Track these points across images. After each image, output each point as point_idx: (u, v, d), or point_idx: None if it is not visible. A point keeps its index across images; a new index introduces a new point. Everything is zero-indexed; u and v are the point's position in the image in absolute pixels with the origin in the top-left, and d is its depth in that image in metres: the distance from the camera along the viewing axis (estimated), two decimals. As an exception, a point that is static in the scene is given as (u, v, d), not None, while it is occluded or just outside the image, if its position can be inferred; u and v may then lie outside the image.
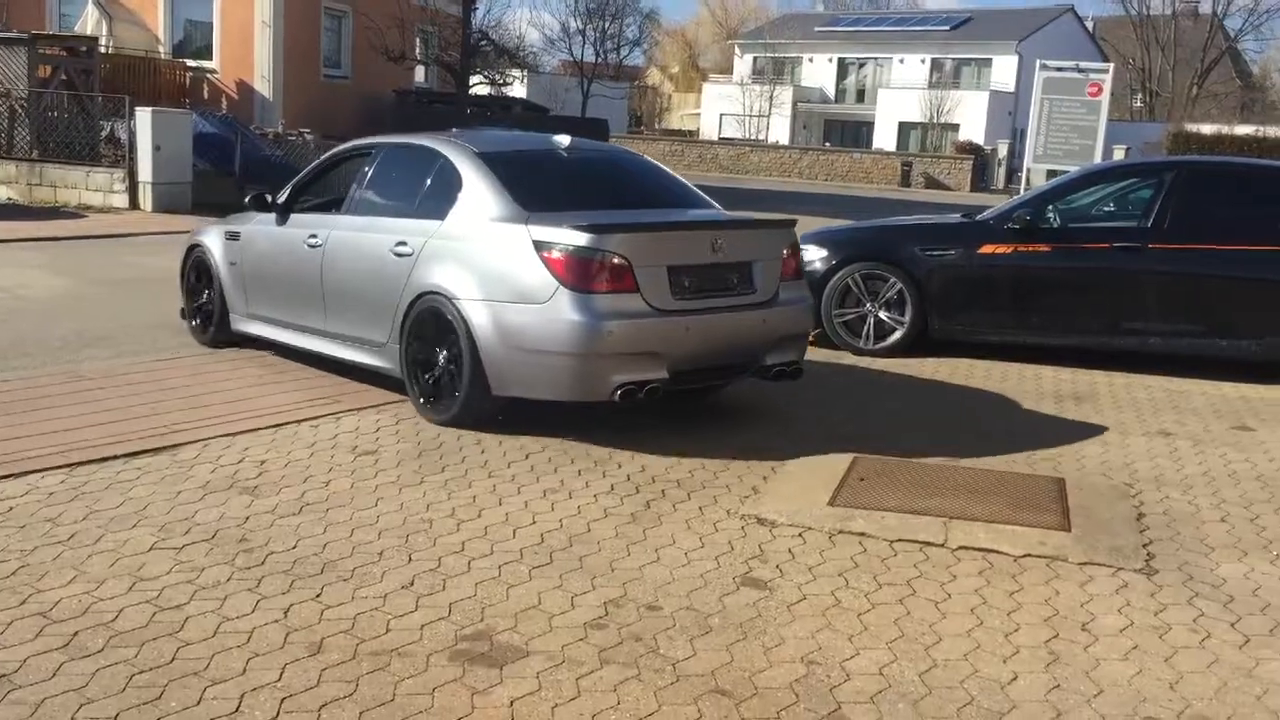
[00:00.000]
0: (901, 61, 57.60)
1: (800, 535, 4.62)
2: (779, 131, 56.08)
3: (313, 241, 6.89)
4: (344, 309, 6.70)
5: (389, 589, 3.96)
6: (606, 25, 54.65)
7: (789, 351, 6.33)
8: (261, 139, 21.13)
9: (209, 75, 25.60)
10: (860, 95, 59.53)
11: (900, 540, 4.59)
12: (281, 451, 5.53)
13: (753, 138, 54.05)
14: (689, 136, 57.21)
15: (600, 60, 54.09)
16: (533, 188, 6.16)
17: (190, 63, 25.61)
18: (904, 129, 53.72)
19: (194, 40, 26.29)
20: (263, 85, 25.42)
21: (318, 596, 3.87)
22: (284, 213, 7.29)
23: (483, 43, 28.86)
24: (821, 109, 59.58)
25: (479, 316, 5.79)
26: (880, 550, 4.49)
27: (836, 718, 3.19)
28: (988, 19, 57.48)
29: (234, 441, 5.64)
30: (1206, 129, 43.24)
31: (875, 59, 59.19)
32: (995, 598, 4.06)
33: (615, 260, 5.57)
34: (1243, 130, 43.07)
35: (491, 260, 5.87)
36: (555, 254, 5.61)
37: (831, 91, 60.19)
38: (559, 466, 5.43)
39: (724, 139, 53.57)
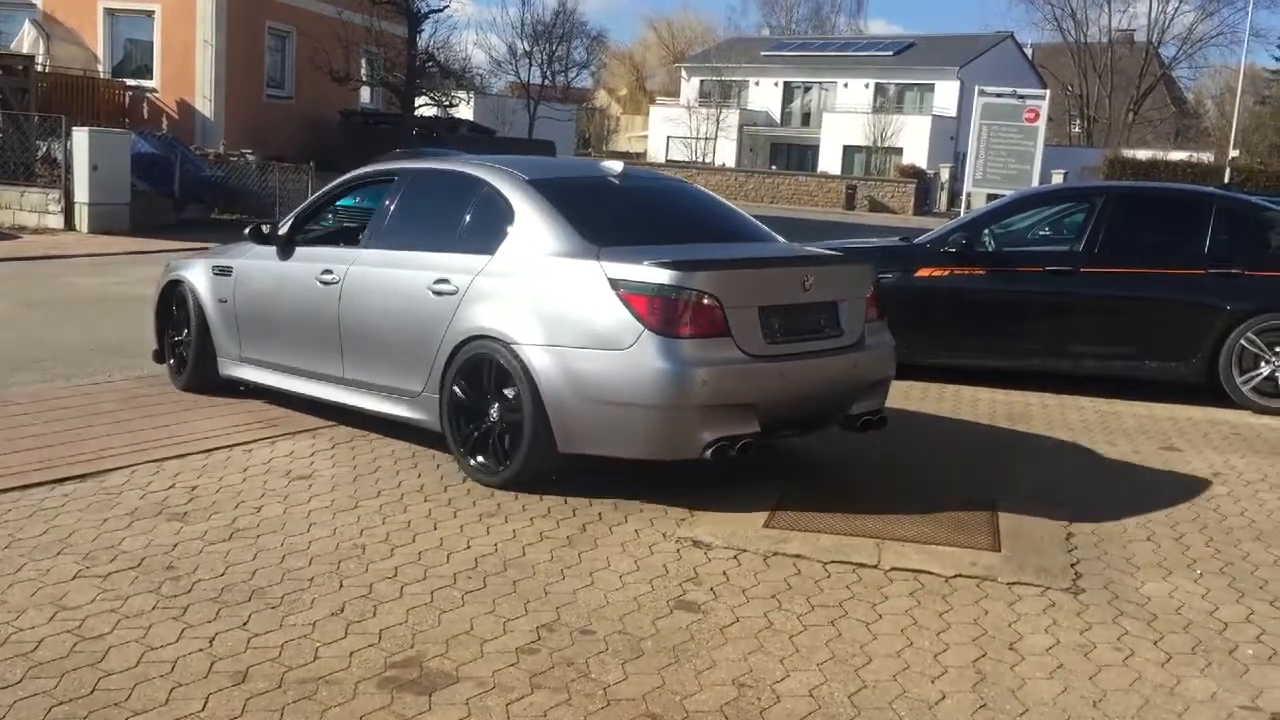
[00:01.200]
0: (846, 86, 58.36)
1: (735, 558, 4.64)
2: (726, 154, 56.55)
3: (327, 278, 6.20)
4: (367, 354, 6.02)
5: (318, 616, 3.91)
6: (554, 47, 54.80)
7: (874, 399, 5.85)
8: (202, 159, 20.92)
9: (149, 94, 25.33)
10: (806, 119, 60.21)
11: (834, 561, 4.62)
12: (213, 477, 5.45)
13: (699, 160, 54.40)
14: (636, 159, 57.48)
15: (547, 82, 54.21)
16: (594, 219, 5.57)
17: (130, 82, 25.33)
18: (849, 152, 54.39)
19: (134, 59, 26.01)
20: (204, 105, 25.20)
21: (245, 624, 3.81)
22: (287, 245, 6.61)
23: (428, 64, 28.81)
24: (767, 132, 60.16)
25: (544, 364, 5.18)
26: (814, 572, 4.51)
27: (765, 740, 3.20)
28: (930, 45, 58.42)
29: (163, 467, 5.55)
30: (1142, 154, 44.19)
31: (820, 83, 59.93)
32: (925, 618, 4.10)
33: (705, 301, 5.03)
34: (1176, 156, 44.10)
35: (557, 301, 5.27)
36: (636, 294, 5.04)
37: (777, 115, 60.82)
38: (495, 491, 5.41)
39: (671, 161, 53.84)
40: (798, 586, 4.36)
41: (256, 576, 4.24)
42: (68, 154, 17.22)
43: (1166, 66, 69.37)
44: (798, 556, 4.66)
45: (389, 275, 5.98)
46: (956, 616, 4.12)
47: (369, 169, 6.84)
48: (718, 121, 55.24)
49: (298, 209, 6.87)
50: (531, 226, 5.54)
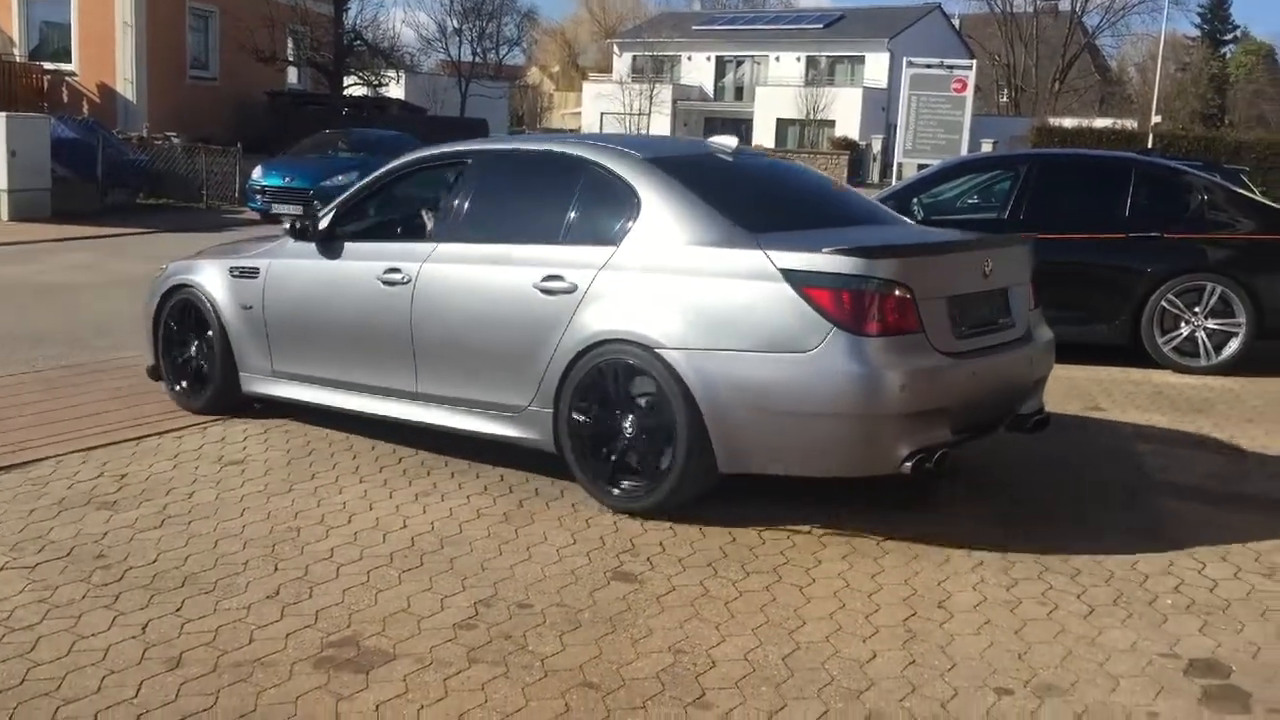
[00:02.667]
0: (778, 59, 58.51)
1: (671, 528, 4.68)
2: (660, 129, 56.42)
3: (393, 278, 5.41)
4: (450, 364, 5.28)
5: (253, 599, 3.89)
6: (484, 24, 54.22)
7: (1037, 397, 5.34)
8: (125, 143, 20.46)
9: (68, 78, 24.72)
10: (739, 93, 60.29)
11: (769, 528, 4.68)
12: (143, 464, 5.38)
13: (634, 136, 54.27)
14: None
15: (479, 60, 53.67)
16: (734, 202, 4.94)
17: (48, 65, 24.67)
18: (782, 126, 54.57)
19: (52, 42, 25.37)
20: (125, 88, 24.65)
21: (178, 610, 3.78)
22: (329, 241, 5.79)
23: (356, 43, 28.40)
24: (701, 106, 60.14)
25: (701, 371, 4.51)
26: (749, 539, 4.57)
27: (701, 704, 3.25)
28: (859, 17, 58.71)
29: (91, 456, 5.47)
30: (1068, 122, 44.86)
31: (752, 57, 60.01)
32: (857, 580, 4.18)
33: (897, 292, 4.40)
34: (1101, 123, 44.81)
35: (713, 297, 4.58)
36: (819, 286, 4.39)
37: (710, 89, 60.82)
38: (433, 469, 5.40)
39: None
40: (733, 554, 4.41)
41: (189, 562, 4.20)
42: (-17, 140, 16.75)
43: (1090, 35, 70.36)
44: (733, 524, 4.72)
45: (479, 273, 5.22)
46: (888, 578, 4.20)
47: (431, 151, 5.92)
48: (651, 97, 55.10)
49: (338, 200, 5.98)
50: (664, 212, 4.85)
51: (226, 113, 26.35)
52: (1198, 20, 67.62)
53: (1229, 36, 66.29)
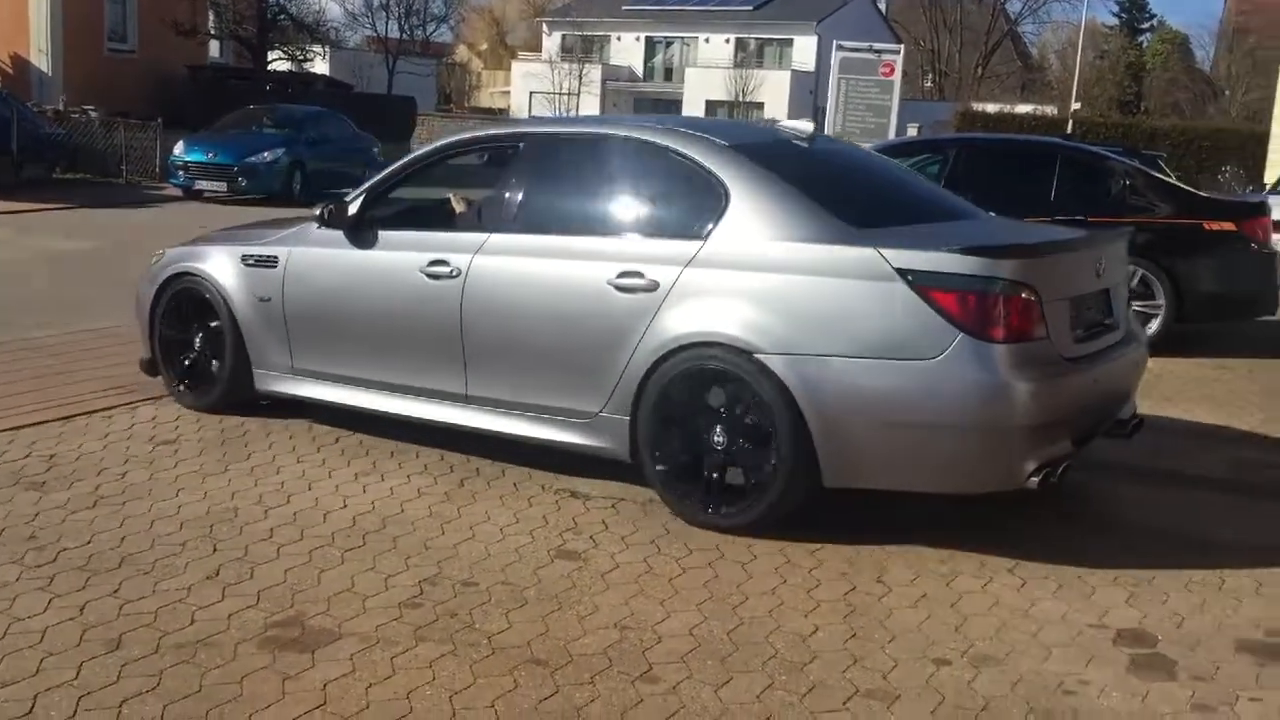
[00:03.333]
0: (707, 41, 58.56)
1: (613, 506, 4.71)
2: (590, 109, 56.23)
3: (438, 270, 5.02)
4: (508, 366, 4.92)
5: (193, 580, 3.84)
6: (411, 1, 53.56)
7: (1133, 400, 5.12)
8: (40, 116, 19.87)
9: (-22, 48, 23.90)
10: (669, 74, 60.26)
11: (709, 506, 4.73)
12: (72, 444, 5.27)
13: (563, 117, 54.06)
14: (499, 115, 56.74)
15: (405, 37, 53.01)
16: (832, 195, 4.62)
17: (-43, 35, 23.85)
18: (711, 107, 54.59)
19: (-40, 10, 24.47)
20: (39, 59, 23.96)
21: (115, 592, 3.73)
22: (362, 229, 5.38)
23: (280, 17, 27.87)
24: (630, 87, 60.02)
25: (809, 378, 4.19)
26: (690, 517, 4.62)
27: (648, 678, 3.29)
28: (788, 0, 59.03)
29: (17, 436, 5.34)
30: (991, 108, 45.64)
31: (681, 38, 59.99)
32: (798, 556, 4.25)
33: (1024, 295, 4.13)
34: (1023, 109, 45.68)
35: (821, 299, 4.26)
36: (942, 288, 4.08)
37: (640, 70, 60.73)
38: (371, 449, 5.36)
39: (535, 118, 53.38)
40: (676, 532, 4.46)
41: (125, 543, 4.13)
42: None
43: (1013, 22, 71.62)
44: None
45: (542, 267, 4.85)
46: (828, 554, 4.28)
47: (479, 133, 5.60)
48: (579, 77, 54.88)
49: (369, 183, 5.54)
50: (757, 204, 4.51)
51: (146, 86, 25.71)
52: (1116, 9, 69.08)
53: (1145, 25, 67.73)
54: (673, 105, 57.06)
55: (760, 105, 51.72)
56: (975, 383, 4.05)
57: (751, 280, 4.39)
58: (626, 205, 4.95)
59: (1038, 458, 4.18)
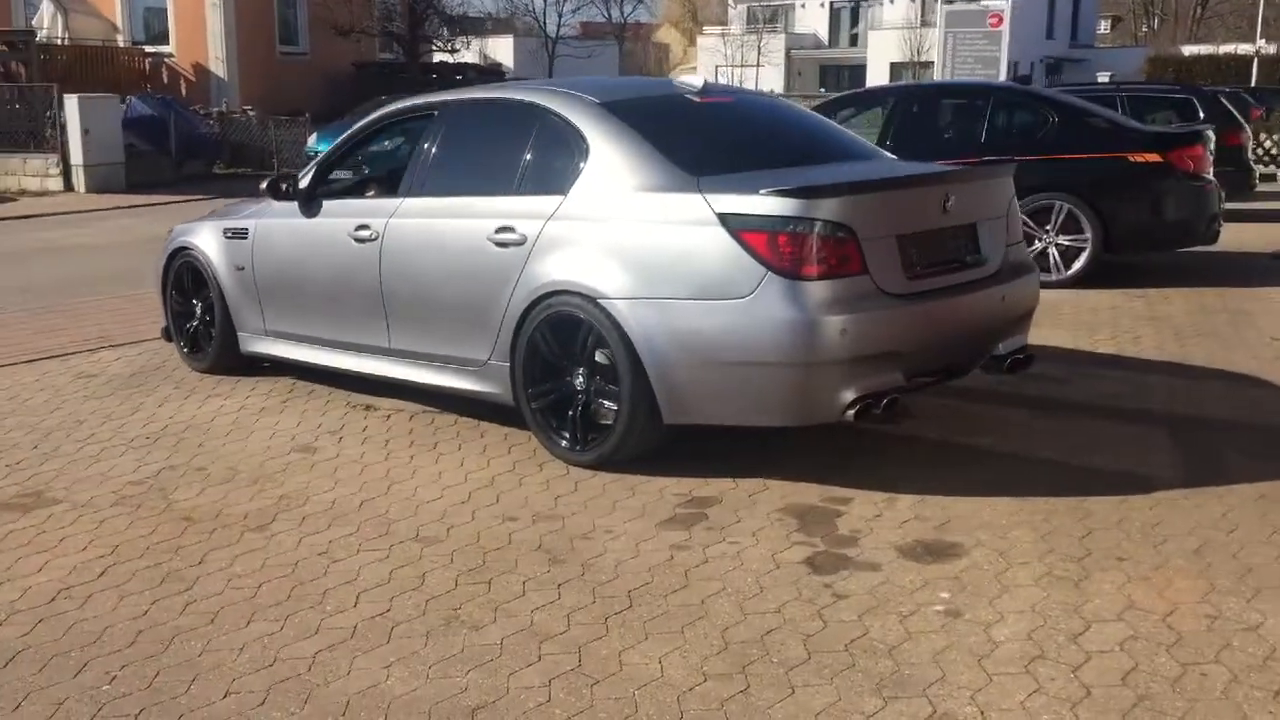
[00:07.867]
0: (891, 1, 57.54)
1: (388, 417, 5.57)
2: (773, 81, 56.32)
3: (362, 234, 5.46)
4: (417, 320, 5.31)
5: (-5, 466, 4.96)
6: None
7: (1019, 334, 5.08)
8: (196, 116, 22.16)
9: (166, 60, 26.66)
10: (854, 39, 59.61)
11: (467, 415, 5.50)
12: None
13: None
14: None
15: (600, 19, 54.23)
16: (684, 144, 4.79)
17: (149, 49, 26.67)
18: (895, 69, 53.80)
19: (153, 26, 27.33)
20: (217, 66, 26.44)
21: None
22: (310, 201, 5.85)
23: (429, 12, 29.67)
24: (815, 55, 59.78)
25: (641, 321, 4.43)
26: (445, 421, 5.44)
27: (265, 532, 4.14)
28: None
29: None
30: (1188, 50, 43.05)
31: (866, 1, 59.17)
32: (471, 456, 4.98)
33: (838, 233, 4.23)
34: (1225, 49, 42.84)
35: (651, 244, 4.49)
36: (753, 229, 4.24)
37: (825, 36, 60.32)
38: (204, 376, 6.37)
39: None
40: (419, 433, 5.27)
41: None
42: (61, 121, 18.59)
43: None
44: (446, 412, 5.57)
45: (437, 226, 5.23)
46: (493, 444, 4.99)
47: (401, 104, 5.92)
48: (759, 48, 55.07)
49: (318, 158, 6.07)
50: (611, 157, 4.75)
51: (317, 86, 27.94)
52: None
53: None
54: (858, 69, 56.44)
55: (929, 64, 50.55)
56: (783, 320, 4.18)
57: (603, 230, 4.64)
58: (507, 164, 5.16)
59: (854, 391, 4.26)
